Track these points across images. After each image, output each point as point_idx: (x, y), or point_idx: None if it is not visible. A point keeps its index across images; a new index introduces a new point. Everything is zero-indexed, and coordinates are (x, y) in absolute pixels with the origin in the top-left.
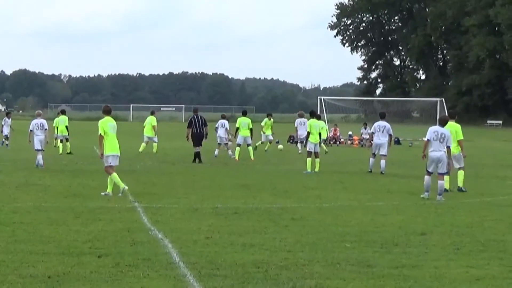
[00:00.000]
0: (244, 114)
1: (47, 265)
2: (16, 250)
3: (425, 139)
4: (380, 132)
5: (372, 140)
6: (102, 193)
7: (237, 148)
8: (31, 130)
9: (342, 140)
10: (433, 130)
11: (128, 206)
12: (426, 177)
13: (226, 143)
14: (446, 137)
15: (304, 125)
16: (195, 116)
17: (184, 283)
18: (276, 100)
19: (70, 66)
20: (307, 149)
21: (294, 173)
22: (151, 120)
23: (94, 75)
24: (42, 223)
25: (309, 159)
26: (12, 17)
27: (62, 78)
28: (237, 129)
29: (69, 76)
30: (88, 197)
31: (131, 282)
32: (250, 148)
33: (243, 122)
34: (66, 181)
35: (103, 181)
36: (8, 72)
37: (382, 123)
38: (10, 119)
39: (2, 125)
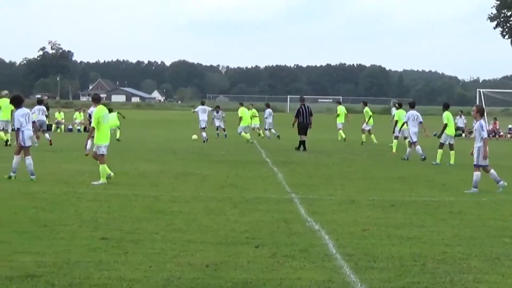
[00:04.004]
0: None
1: (205, 254)
2: (174, 239)
3: (486, 136)
4: (415, 121)
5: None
6: (95, 183)
7: (394, 141)
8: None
9: (501, 133)
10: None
11: (285, 197)
12: (492, 171)
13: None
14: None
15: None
16: (302, 106)
17: (340, 275)
18: (434, 92)
19: (228, 57)
20: (440, 141)
21: (450, 167)
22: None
23: (252, 66)
24: (200, 212)
25: (440, 151)
26: (172, 8)
27: (220, 69)
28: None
29: (227, 67)
30: (245, 188)
31: (288, 272)
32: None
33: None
34: (223, 171)
35: (260, 171)
36: (168, 63)
37: (414, 112)
38: (219, 113)
39: (213, 118)
